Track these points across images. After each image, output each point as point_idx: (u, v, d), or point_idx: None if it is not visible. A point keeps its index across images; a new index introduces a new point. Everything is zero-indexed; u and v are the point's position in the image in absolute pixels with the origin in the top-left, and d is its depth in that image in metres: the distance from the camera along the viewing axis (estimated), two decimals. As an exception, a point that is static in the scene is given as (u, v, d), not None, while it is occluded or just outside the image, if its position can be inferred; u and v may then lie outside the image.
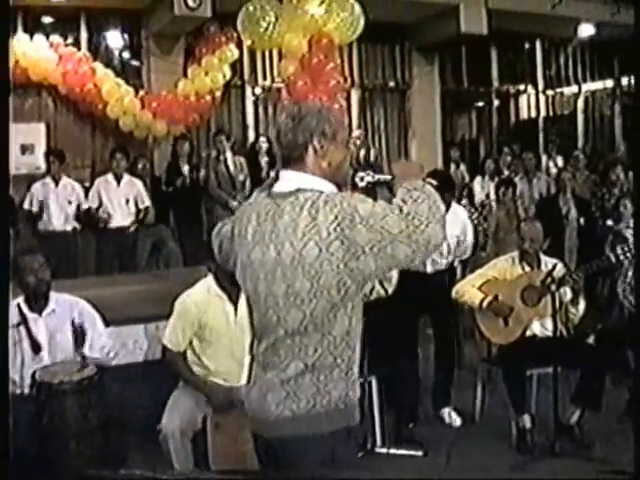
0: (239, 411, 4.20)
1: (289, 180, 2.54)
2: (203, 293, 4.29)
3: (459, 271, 6.40)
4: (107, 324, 4.56)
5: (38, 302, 4.21)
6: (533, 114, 12.70)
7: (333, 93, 6.26)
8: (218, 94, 8.99)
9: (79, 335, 4.14)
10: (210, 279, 4.30)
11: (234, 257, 2.73)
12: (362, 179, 2.71)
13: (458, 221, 5.38)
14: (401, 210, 2.39)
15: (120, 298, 5.76)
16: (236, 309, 4.27)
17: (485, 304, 5.11)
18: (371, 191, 2.62)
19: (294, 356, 2.48)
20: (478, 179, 10.32)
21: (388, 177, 2.67)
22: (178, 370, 4.29)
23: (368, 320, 4.68)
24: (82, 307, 4.35)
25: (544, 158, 11.63)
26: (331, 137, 2.55)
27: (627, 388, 5.40)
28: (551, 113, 12.83)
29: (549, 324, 4.98)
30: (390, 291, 3.12)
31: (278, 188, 2.56)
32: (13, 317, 3.89)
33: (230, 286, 4.23)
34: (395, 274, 3.02)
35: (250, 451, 4.15)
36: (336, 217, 2.39)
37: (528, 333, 5.14)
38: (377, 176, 2.71)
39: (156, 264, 8.44)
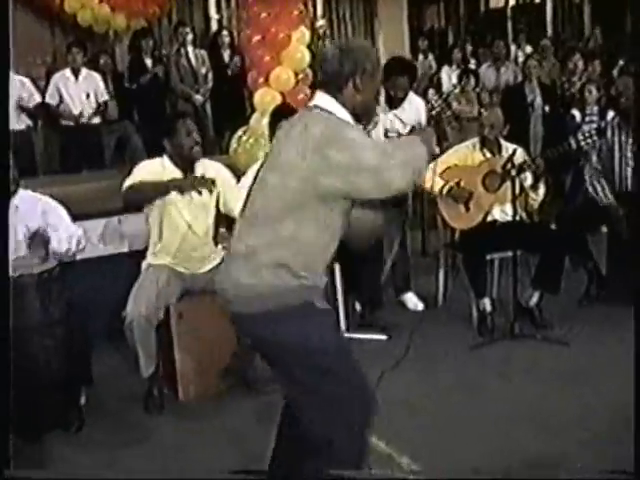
0: (203, 300, 4.32)
1: (317, 98, 2.73)
2: (157, 166, 4.31)
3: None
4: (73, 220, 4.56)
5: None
6: (502, 3, 12.54)
7: (294, -19, 6.12)
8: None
9: (41, 241, 4.11)
10: (165, 158, 4.31)
11: None
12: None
13: (414, 109, 5.36)
14: (381, 149, 2.57)
15: (85, 194, 5.76)
16: None
17: (445, 190, 5.14)
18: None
19: (248, 238, 2.68)
20: (445, 69, 10.30)
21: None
22: (140, 193, 4.22)
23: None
24: (46, 202, 4.29)
25: (513, 47, 11.55)
26: (370, 75, 2.72)
27: (586, 272, 5.53)
28: (520, 1, 12.67)
29: (509, 209, 5.03)
30: None
31: (310, 103, 2.77)
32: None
33: (184, 165, 4.28)
34: None
35: (215, 339, 4.30)
36: (322, 132, 2.57)
37: (489, 219, 5.19)
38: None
39: (122, 159, 8.37)
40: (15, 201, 4.16)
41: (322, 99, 2.71)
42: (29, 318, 3.79)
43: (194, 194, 4.26)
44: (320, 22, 9.53)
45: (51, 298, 3.85)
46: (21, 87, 7.81)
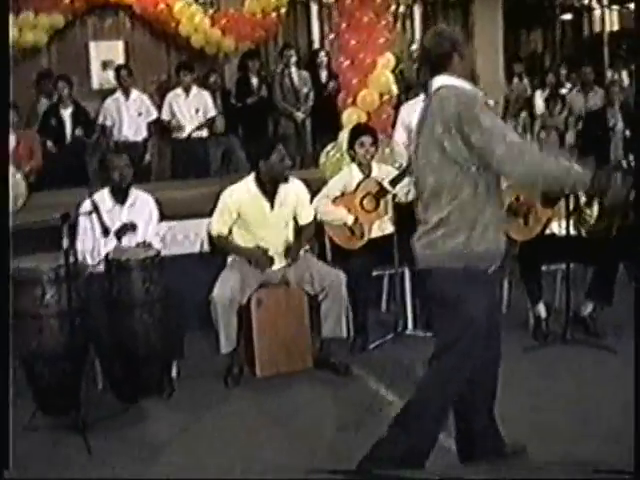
0: (278, 290, 4.96)
1: (437, 81, 3.29)
2: (242, 190, 5.02)
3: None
4: (173, 218, 5.43)
5: (121, 195, 4.96)
6: (598, 29, 12.77)
7: (383, 9, 6.71)
8: (283, 11, 9.47)
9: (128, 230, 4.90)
10: (251, 179, 5.00)
11: None
12: None
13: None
14: (516, 149, 3.09)
15: (190, 198, 6.54)
16: (272, 204, 4.98)
17: (505, 205, 5.59)
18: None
19: (434, 212, 3.27)
20: (539, 92, 10.67)
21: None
22: (224, 246, 5.05)
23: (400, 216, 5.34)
24: (152, 205, 5.11)
25: (609, 73, 11.80)
26: (463, 46, 3.33)
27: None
28: (617, 28, 12.88)
29: (565, 224, 5.43)
30: None
31: (430, 90, 3.34)
32: (86, 207, 4.60)
33: (268, 185, 4.96)
34: None
35: (288, 324, 4.92)
36: (459, 114, 3.11)
37: (547, 232, 5.62)
38: None
39: (226, 171, 9.11)
40: (131, 198, 4.98)
41: (441, 80, 3.28)
42: (132, 296, 4.52)
43: (271, 211, 4.99)
44: (415, 46, 10.03)
45: (152, 281, 4.55)
46: (141, 104, 8.71)
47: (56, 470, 3.94)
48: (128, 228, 4.87)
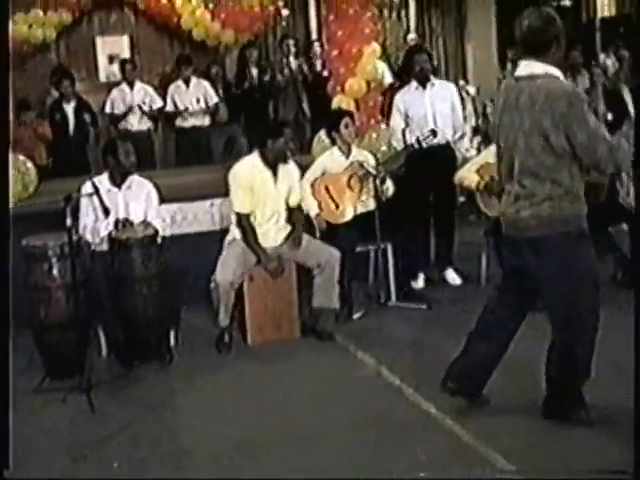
0: (269, 268, 5.35)
1: (533, 67, 3.56)
2: (248, 166, 5.42)
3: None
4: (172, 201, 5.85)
5: (120, 178, 5.32)
6: (594, 14, 13.04)
7: (367, 1, 7.06)
8: (281, 4, 9.86)
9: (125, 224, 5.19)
10: (255, 156, 5.41)
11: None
12: None
13: (447, 95, 6.42)
14: (610, 144, 3.51)
15: (192, 183, 7.04)
16: (275, 178, 5.40)
17: (481, 186, 5.98)
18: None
19: (537, 189, 3.65)
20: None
21: None
22: (247, 234, 5.35)
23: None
24: (150, 188, 5.46)
25: (602, 56, 12.06)
26: (564, 37, 3.59)
27: (614, 259, 6.19)
28: (610, 14, 13.14)
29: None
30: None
31: (520, 73, 3.63)
32: (87, 189, 5.00)
33: (272, 160, 5.36)
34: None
35: (277, 298, 5.32)
36: (571, 114, 3.46)
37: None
38: None
39: (229, 157, 9.50)
40: (128, 182, 5.36)
41: (538, 66, 3.55)
42: (132, 271, 4.96)
43: (274, 185, 5.40)
44: (411, 35, 10.35)
45: (150, 257, 4.99)
46: (145, 94, 9.14)
47: (62, 429, 4.34)
48: (124, 223, 5.18)
